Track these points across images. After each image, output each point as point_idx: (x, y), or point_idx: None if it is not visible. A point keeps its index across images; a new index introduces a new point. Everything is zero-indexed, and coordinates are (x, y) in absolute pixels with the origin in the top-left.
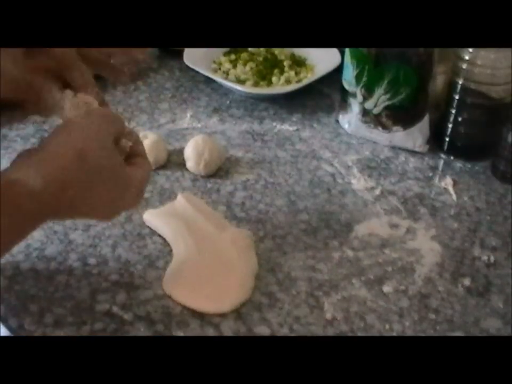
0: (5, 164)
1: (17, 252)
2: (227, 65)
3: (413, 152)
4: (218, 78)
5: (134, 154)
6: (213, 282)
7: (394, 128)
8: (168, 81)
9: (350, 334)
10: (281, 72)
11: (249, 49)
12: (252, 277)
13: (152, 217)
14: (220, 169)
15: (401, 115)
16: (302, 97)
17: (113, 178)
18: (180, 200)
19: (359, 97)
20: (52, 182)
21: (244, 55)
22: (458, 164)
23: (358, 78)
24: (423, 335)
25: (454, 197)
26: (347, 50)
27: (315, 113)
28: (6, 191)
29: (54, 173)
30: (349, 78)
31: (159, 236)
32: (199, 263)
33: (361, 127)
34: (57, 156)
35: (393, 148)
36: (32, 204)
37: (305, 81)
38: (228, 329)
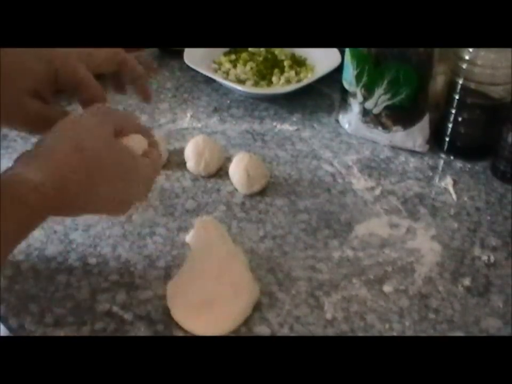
0: (5, 164)
1: (18, 251)
2: (227, 65)
3: (413, 152)
4: (218, 78)
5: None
6: (212, 308)
7: (394, 128)
8: (168, 81)
9: (350, 334)
10: (281, 72)
11: (249, 49)
12: (251, 305)
13: None
14: (220, 169)
15: (401, 115)
16: (302, 97)
17: (116, 170)
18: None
19: (359, 97)
20: (52, 176)
21: (244, 55)
22: (458, 164)
23: (358, 78)
24: (423, 335)
25: (454, 196)
26: (347, 50)
27: (315, 113)
28: (9, 187)
29: (52, 166)
30: (349, 78)
31: (160, 235)
32: (203, 287)
33: (361, 127)
34: (55, 151)
35: (393, 147)
36: (36, 197)
37: (305, 81)
38: None
